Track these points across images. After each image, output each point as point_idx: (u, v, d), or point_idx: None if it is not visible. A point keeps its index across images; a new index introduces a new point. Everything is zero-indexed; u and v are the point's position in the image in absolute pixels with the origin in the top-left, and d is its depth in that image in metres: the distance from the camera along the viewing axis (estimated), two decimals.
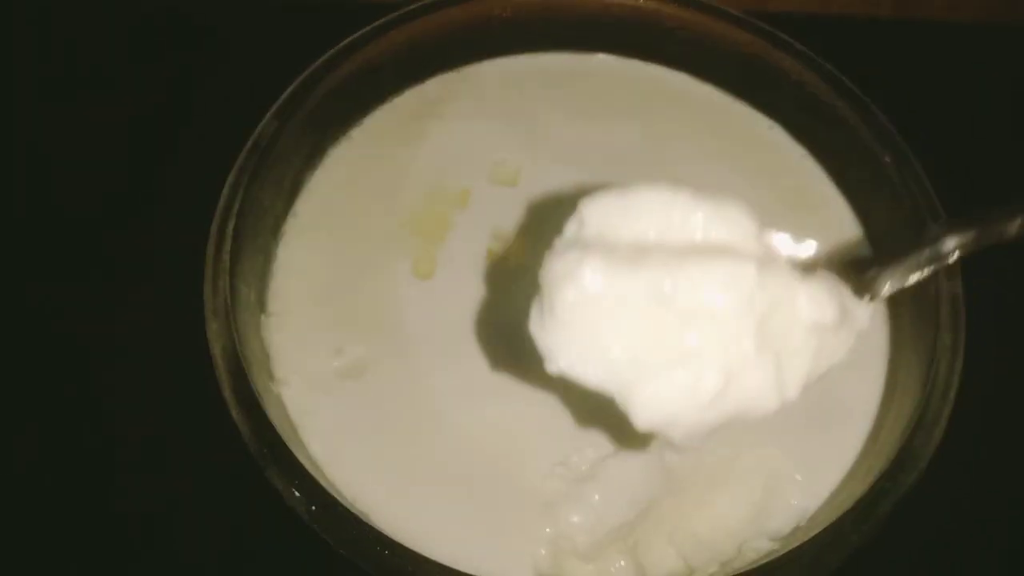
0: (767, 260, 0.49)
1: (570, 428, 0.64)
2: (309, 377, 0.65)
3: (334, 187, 0.73)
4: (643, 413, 0.47)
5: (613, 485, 0.61)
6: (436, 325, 0.67)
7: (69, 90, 0.91)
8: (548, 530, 0.60)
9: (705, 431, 0.48)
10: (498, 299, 0.67)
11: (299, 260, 0.70)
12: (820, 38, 0.73)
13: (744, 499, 0.62)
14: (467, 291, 0.68)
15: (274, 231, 0.70)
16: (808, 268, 0.51)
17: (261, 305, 0.67)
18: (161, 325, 0.76)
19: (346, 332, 0.66)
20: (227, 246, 0.62)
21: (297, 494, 0.55)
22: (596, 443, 0.63)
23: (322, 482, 0.57)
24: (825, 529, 0.56)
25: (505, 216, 0.72)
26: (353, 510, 0.56)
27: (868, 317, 0.53)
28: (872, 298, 0.55)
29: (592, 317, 0.46)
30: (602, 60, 0.80)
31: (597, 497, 0.61)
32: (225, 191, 0.64)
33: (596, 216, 0.49)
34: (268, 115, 0.67)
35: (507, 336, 0.64)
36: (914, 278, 0.54)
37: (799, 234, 0.54)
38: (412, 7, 0.74)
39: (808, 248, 0.55)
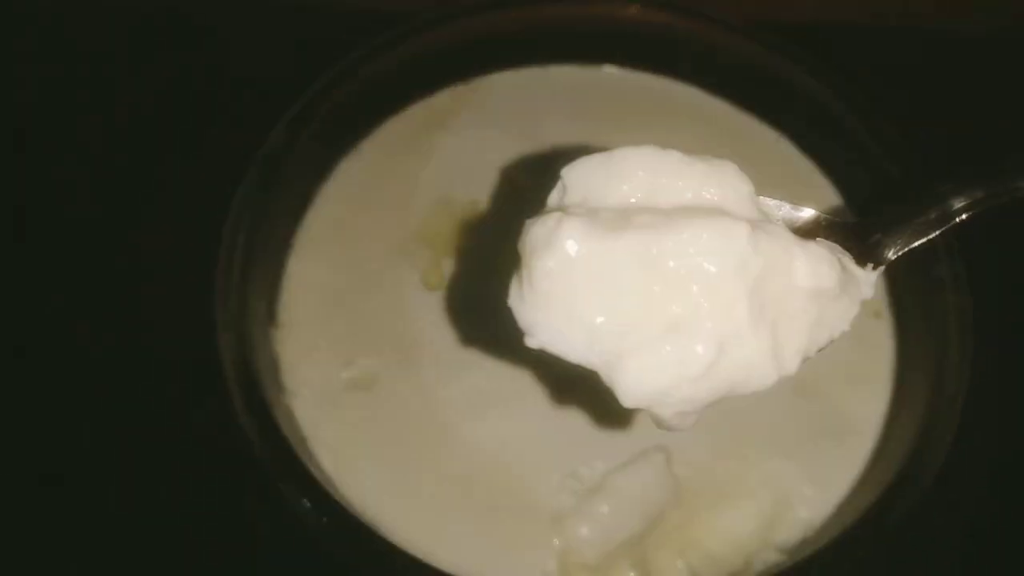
0: (762, 222, 0.46)
1: (580, 440, 0.64)
2: (319, 389, 0.65)
3: (344, 199, 0.73)
4: (629, 388, 0.44)
5: (622, 498, 0.61)
6: (446, 336, 0.67)
7: (69, 90, 0.90)
8: (557, 542, 0.61)
9: (697, 408, 0.45)
10: (508, 310, 0.67)
11: (309, 272, 0.69)
12: (827, 48, 0.73)
13: (753, 512, 0.62)
14: (477, 302, 0.68)
15: (284, 243, 0.70)
16: (807, 235, 0.49)
17: (271, 317, 0.67)
18: (164, 331, 0.76)
19: (356, 344, 0.67)
20: (237, 258, 0.62)
21: (308, 505, 0.55)
22: (605, 455, 0.63)
23: (332, 493, 0.57)
24: (833, 542, 0.56)
25: (515, 228, 0.71)
26: (363, 521, 0.57)
27: (872, 285, 0.51)
28: (876, 265, 0.52)
29: (573, 286, 0.43)
30: (610, 72, 0.80)
31: (606, 509, 0.61)
32: (235, 203, 0.64)
33: (579, 181, 0.47)
34: (278, 127, 0.67)
35: (517, 348, 0.63)
36: (919, 242, 0.52)
37: None
38: (421, 19, 0.73)
39: (806, 214, 0.53)
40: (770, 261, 0.44)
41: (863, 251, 0.52)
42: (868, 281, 0.51)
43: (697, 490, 0.63)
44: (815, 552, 0.56)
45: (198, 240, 0.64)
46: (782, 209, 0.53)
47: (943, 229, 0.52)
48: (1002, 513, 0.72)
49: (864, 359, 0.68)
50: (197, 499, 0.70)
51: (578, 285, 0.43)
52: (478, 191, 0.73)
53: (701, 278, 0.43)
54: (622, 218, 0.44)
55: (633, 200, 0.46)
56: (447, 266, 0.70)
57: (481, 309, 0.68)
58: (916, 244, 0.52)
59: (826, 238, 0.51)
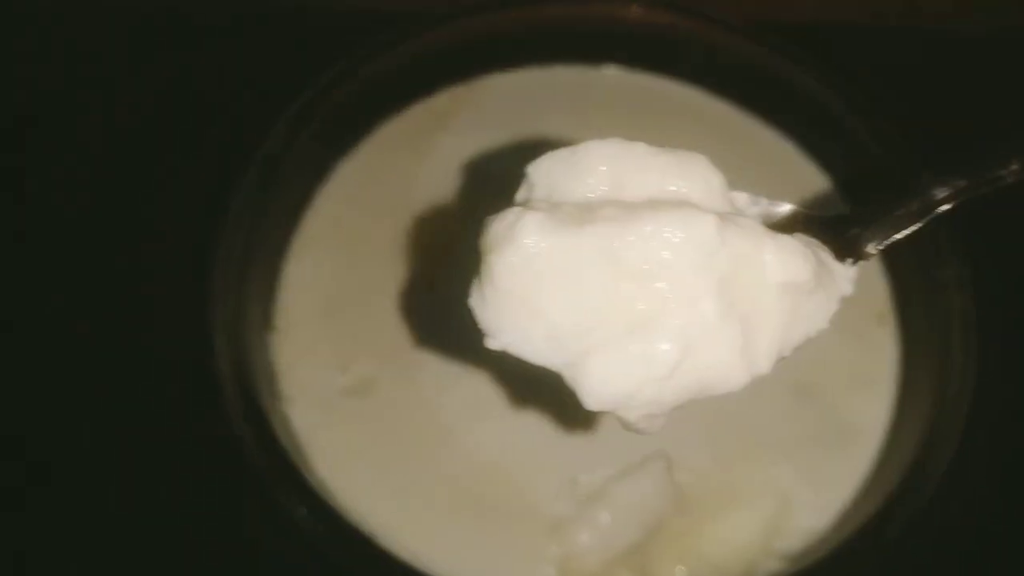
0: (731, 215, 0.44)
1: (579, 446, 0.63)
2: (315, 394, 0.64)
3: (342, 201, 0.72)
4: (593, 390, 0.42)
5: (622, 505, 0.61)
6: (444, 341, 0.67)
7: (69, 90, 0.90)
8: (557, 550, 0.60)
9: (664, 410, 0.44)
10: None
11: (306, 275, 0.69)
12: (827, 48, 0.73)
13: (754, 519, 0.62)
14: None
15: (281, 246, 0.69)
16: (785, 230, 0.47)
17: (267, 321, 0.67)
18: (163, 332, 0.76)
19: (353, 348, 0.66)
20: (234, 261, 0.61)
21: (304, 512, 0.55)
22: (605, 462, 0.63)
23: (328, 500, 0.57)
24: (835, 550, 0.56)
25: None
26: (360, 529, 0.56)
27: (852, 281, 0.49)
28: (856, 260, 0.50)
29: (533, 283, 0.42)
30: (611, 73, 0.80)
31: (606, 517, 0.60)
32: (232, 205, 0.63)
33: (544, 177, 0.46)
34: (275, 128, 0.67)
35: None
36: (902, 234, 0.50)
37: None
38: (421, 20, 0.73)
39: (784, 209, 0.52)
40: (739, 254, 0.43)
41: (842, 245, 0.50)
42: (847, 276, 0.49)
43: (698, 497, 0.62)
44: (817, 560, 0.56)
45: (198, 240, 0.63)
46: (759, 204, 0.52)
47: (925, 221, 0.50)
48: (1007, 516, 0.71)
49: (867, 362, 0.68)
50: (197, 499, 0.70)
51: (539, 282, 0.42)
52: (478, 192, 0.73)
53: (666, 273, 0.42)
54: (586, 212, 0.43)
55: (598, 194, 0.45)
56: (447, 269, 0.69)
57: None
58: (898, 236, 0.51)
59: (805, 233, 0.49)
